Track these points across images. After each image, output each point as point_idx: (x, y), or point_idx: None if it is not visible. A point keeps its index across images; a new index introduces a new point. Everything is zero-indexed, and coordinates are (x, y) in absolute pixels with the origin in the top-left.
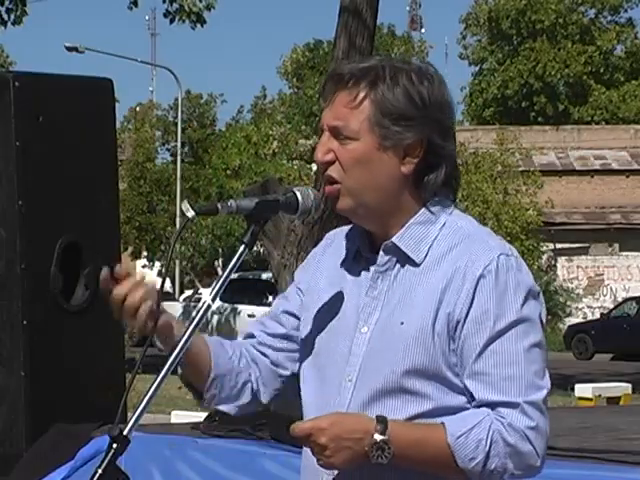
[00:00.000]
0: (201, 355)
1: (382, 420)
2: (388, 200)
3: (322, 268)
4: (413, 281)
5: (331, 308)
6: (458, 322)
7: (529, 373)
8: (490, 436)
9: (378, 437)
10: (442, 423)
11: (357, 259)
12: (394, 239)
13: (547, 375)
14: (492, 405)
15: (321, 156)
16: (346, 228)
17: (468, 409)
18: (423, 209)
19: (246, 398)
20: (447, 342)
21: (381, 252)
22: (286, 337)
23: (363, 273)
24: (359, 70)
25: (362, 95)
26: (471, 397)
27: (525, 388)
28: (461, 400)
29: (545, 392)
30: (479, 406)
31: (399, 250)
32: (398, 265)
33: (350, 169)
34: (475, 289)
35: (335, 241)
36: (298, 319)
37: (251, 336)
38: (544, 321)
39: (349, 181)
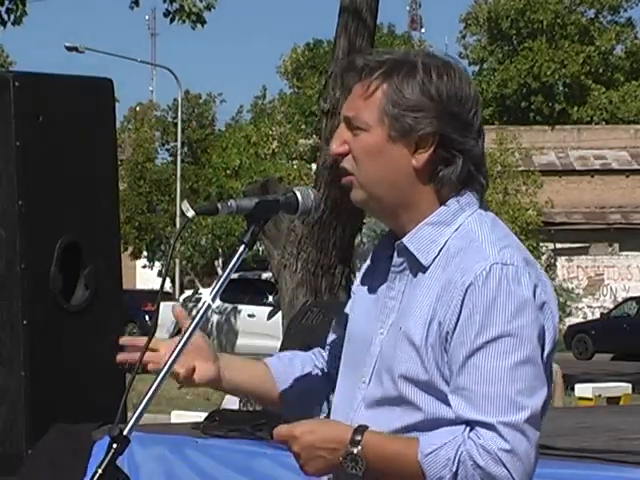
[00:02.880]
0: (263, 390)
1: (360, 431)
2: (400, 194)
3: (372, 269)
4: (418, 285)
5: (364, 309)
6: (448, 334)
7: (511, 392)
8: (458, 456)
9: (352, 449)
10: (417, 439)
11: (389, 258)
12: (404, 239)
13: (538, 394)
14: (469, 423)
15: (335, 147)
16: None
17: None
18: (439, 209)
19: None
20: (440, 354)
21: (395, 253)
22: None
23: (390, 273)
24: (375, 62)
25: (374, 86)
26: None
27: (504, 408)
28: None
29: (529, 412)
30: (459, 423)
31: (409, 251)
32: (411, 266)
33: (361, 161)
34: (463, 299)
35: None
36: None
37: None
38: (547, 335)
39: (361, 173)
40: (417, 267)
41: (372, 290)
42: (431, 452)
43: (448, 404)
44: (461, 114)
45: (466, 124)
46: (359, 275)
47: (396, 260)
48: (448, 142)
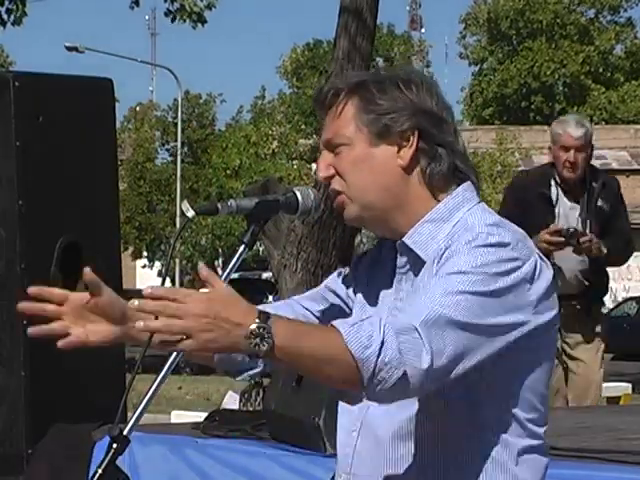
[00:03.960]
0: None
1: (265, 312)
2: (392, 196)
3: (374, 277)
4: (419, 279)
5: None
6: None
7: (439, 303)
8: (383, 326)
9: (260, 323)
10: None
11: (393, 261)
12: (405, 238)
13: (469, 321)
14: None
15: (322, 174)
16: None
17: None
18: (436, 206)
19: None
20: None
21: (398, 254)
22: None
23: (396, 275)
24: (339, 83)
25: (343, 103)
26: None
27: (424, 309)
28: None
29: (445, 319)
30: None
31: (410, 250)
32: (414, 265)
33: (348, 175)
34: (441, 257)
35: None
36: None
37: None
38: (517, 300)
39: (351, 187)
40: (419, 264)
41: (378, 296)
42: (355, 323)
43: (451, 384)
44: (434, 111)
45: (440, 120)
46: (358, 282)
47: (400, 261)
48: (428, 136)
